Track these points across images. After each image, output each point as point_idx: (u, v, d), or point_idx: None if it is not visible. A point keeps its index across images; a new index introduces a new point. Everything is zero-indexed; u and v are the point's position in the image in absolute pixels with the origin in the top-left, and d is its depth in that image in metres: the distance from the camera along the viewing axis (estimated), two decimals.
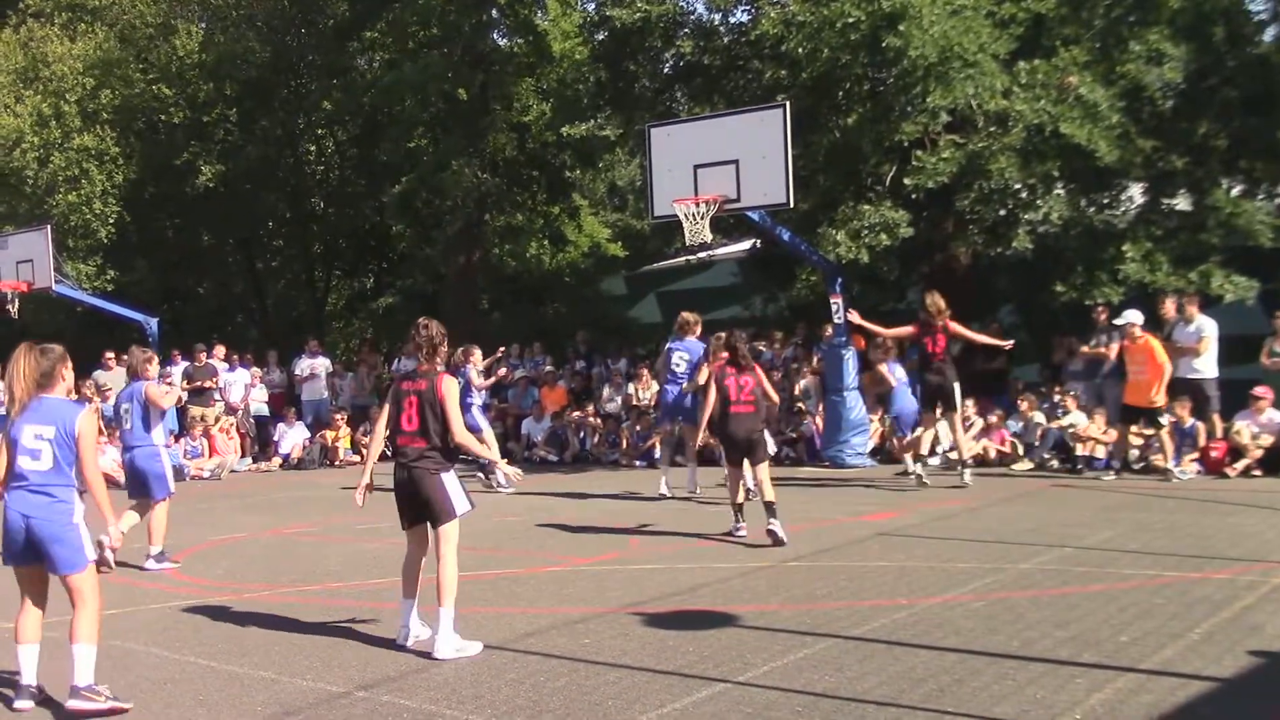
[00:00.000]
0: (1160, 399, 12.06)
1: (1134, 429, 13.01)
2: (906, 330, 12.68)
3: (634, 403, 16.88)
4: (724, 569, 8.11)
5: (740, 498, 9.42)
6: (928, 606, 6.62)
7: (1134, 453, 12.95)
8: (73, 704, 5.30)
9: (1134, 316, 12.31)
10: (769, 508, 8.92)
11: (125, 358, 20.29)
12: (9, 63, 24.33)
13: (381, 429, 6.49)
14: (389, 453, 6.46)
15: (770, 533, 8.78)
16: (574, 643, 6.20)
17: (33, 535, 5.36)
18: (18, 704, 5.43)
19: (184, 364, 18.80)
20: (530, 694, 5.31)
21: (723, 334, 10.09)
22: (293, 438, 18.55)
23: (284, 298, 29.97)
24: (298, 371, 19.92)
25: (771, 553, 8.56)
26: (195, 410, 17.92)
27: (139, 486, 9.26)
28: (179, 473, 17.00)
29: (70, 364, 5.70)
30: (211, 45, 24.65)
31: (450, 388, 6.18)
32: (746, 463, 9.45)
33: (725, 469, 9.82)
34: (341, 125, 26.76)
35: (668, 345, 12.60)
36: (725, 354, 9.57)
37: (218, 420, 18.15)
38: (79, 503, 5.48)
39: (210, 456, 17.59)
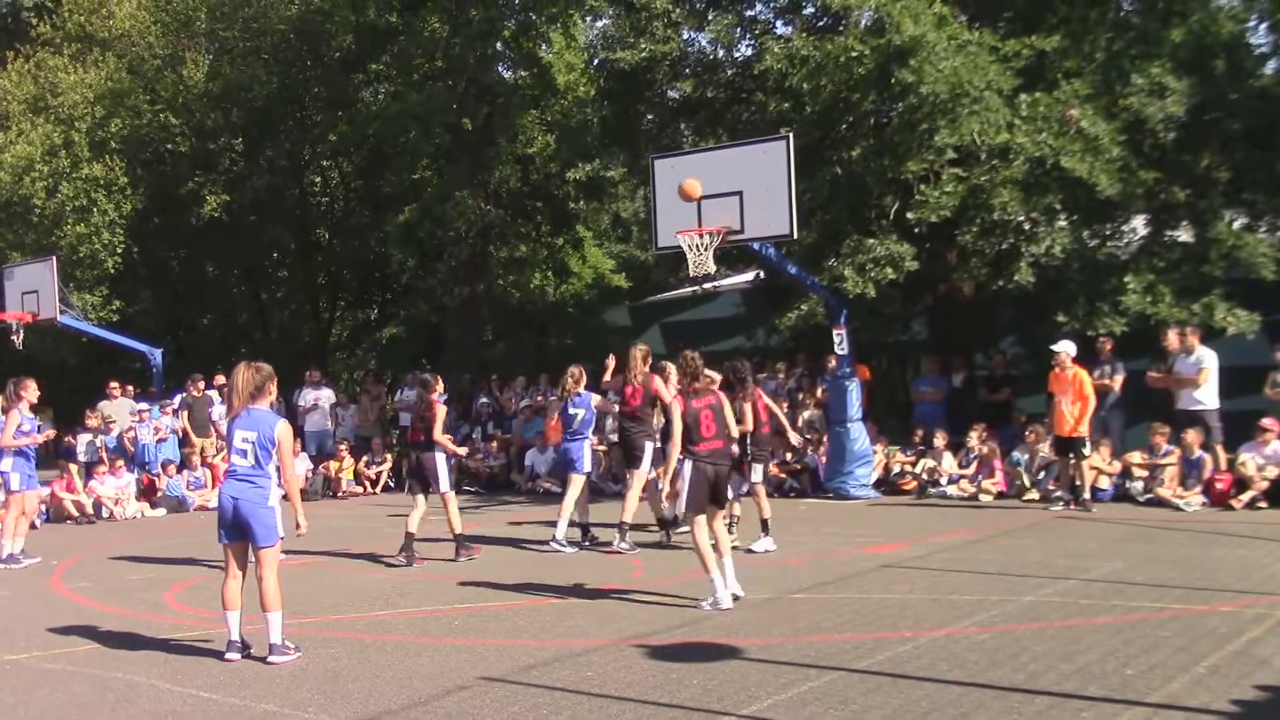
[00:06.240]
0: (1083, 429, 12.18)
1: (1137, 461, 13.04)
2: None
3: None
4: None
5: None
6: (932, 639, 6.59)
7: (1138, 484, 12.95)
8: (273, 658, 6.67)
9: (1066, 347, 12.42)
10: None
11: (129, 388, 20.10)
12: (19, 91, 24.48)
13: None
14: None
15: None
16: (577, 675, 6.17)
17: (239, 514, 6.79)
18: (228, 655, 6.78)
19: (178, 395, 18.80)
20: None
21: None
22: (295, 469, 18.41)
23: (288, 328, 29.97)
24: (300, 402, 19.86)
25: (775, 585, 8.53)
26: (196, 441, 17.92)
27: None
28: (181, 504, 17.05)
29: (276, 381, 7.09)
30: (218, 75, 24.82)
31: None
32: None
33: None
34: (347, 156, 26.87)
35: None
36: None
37: (219, 452, 18.11)
38: (275, 490, 6.89)
39: (214, 487, 17.55)
